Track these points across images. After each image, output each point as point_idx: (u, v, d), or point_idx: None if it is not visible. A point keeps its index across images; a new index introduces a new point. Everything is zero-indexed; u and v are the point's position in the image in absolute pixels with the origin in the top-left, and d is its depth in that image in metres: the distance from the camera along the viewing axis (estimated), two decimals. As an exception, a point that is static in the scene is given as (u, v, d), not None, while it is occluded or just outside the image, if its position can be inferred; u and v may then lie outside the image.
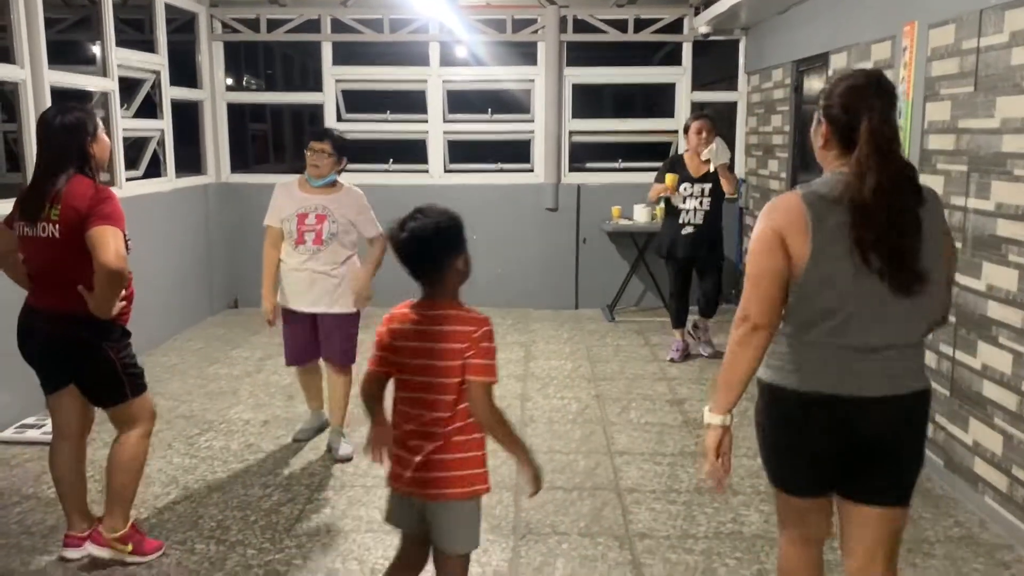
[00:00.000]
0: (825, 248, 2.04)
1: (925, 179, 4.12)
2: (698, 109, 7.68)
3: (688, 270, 6.10)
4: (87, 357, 3.06)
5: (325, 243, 4.19)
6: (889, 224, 2.01)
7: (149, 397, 3.28)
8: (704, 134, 5.84)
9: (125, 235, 3.01)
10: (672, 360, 6.06)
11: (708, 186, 5.88)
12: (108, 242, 2.87)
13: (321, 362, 4.44)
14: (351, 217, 4.24)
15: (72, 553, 3.24)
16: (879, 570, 2.20)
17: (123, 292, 3.03)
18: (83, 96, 5.65)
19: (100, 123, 3.18)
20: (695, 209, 5.93)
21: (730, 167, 5.92)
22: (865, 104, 2.07)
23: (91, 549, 3.19)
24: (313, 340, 4.33)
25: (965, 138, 3.84)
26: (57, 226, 2.96)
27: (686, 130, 6.01)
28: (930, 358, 4.12)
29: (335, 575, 3.18)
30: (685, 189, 5.90)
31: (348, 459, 4.25)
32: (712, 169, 5.82)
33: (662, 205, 7.48)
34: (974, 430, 3.74)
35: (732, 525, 3.59)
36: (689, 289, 6.14)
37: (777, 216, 2.10)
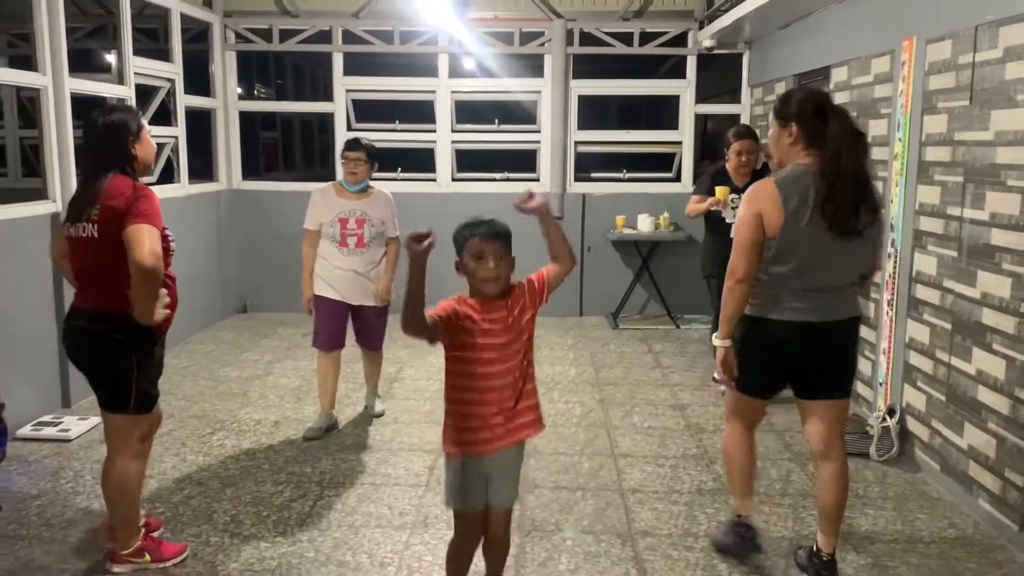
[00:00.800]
0: (792, 221, 2.93)
1: (923, 190, 4.26)
2: (702, 121, 7.82)
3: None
4: (110, 355, 3.06)
5: (368, 245, 4.70)
6: (854, 186, 2.92)
7: (145, 422, 3.21)
8: (744, 157, 5.46)
9: (166, 234, 3.10)
10: (715, 381, 5.48)
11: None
12: (143, 240, 2.90)
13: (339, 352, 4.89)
14: (384, 218, 4.76)
15: (119, 568, 3.26)
16: (837, 442, 3.15)
17: (165, 298, 3.06)
18: (100, 103, 5.79)
19: (145, 124, 3.24)
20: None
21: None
22: (831, 110, 3.00)
23: (112, 568, 3.21)
24: (342, 329, 4.79)
25: (961, 150, 3.95)
26: (96, 226, 3.00)
27: (727, 145, 5.58)
28: (927, 364, 4.22)
29: (346, 567, 3.28)
30: (733, 201, 5.41)
31: (381, 415, 5.06)
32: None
33: (666, 215, 7.62)
34: (969, 434, 3.83)
35: (732, 524, 3.68)
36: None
37: (757, 201, 2.99)
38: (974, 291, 3.80)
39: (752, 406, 3.27)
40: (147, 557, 3.23)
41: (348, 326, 4.85)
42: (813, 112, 3.00)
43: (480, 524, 2.78)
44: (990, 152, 3.70)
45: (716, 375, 3.30)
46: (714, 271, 5.49)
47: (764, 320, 3.05)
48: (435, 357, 5.64)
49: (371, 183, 4.81)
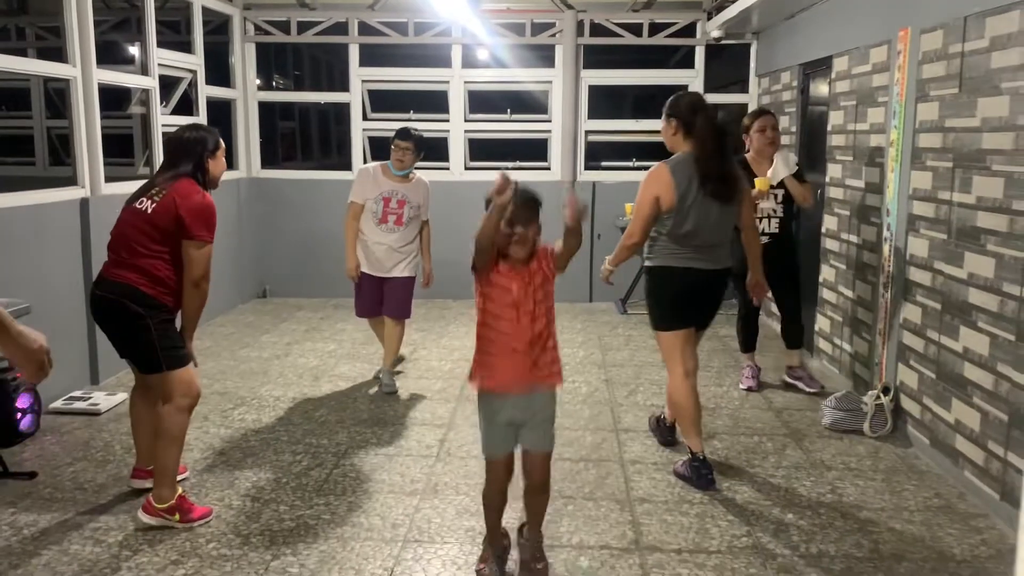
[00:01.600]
0: (684, 196, 3.81)
1: (916, 175, 4.42)
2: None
3: (780, 288, 5.38)
4: (129, 324, 3.44)
5: (405, 224, 5.21)
6: (719, 166, 3.84)
7: (188, 373, 3.55)
8: (769, 132, 5.21)
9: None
10: (750, 389, 5.38)
11: (781, 192, 5.21)
12: (201, 261, 3.49)
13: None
14: (420, 202, 5.28)
15: (138, 483, 3.74)
16: (695, 357, 4.12)
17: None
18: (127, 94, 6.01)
19: (222, 145, 3.70)
20: (769, 217, 5.22)
21: (799, 174, 5.20)
22: (700, 107, 3.91)
23: (142, 517, 3.46)
24: (378, 300, 5.33)
25: (951, 136, 4.11)
26: (154, 203, 3.46)
27: (746, 130, 5.34)
28: (918, 343, 4.39)
29: (359, 527, 3.50)
30: (772, 194, 5.21)
31: (394, 392, 5.29)
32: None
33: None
34: (956, 409, 4.00)
35: (727, 493, 3.86)
36: (759, 311, 5.55)
37: (656, 184, 3.85)
38: (961, 272, 3.96)
39: (674, 344, 4.00)
40: (176, 517, 3.46)
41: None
42: (687, 110, 3.89)
43: (506, 472, 3.04)
44: (977, 138, 3.85)
45: (605, 276, 4.35)
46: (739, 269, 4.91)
47: (670, 269, 3.95)
48: (447, 339, 5.86)
49: (414, 170, 5.31)
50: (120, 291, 3.42)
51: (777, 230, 5.26)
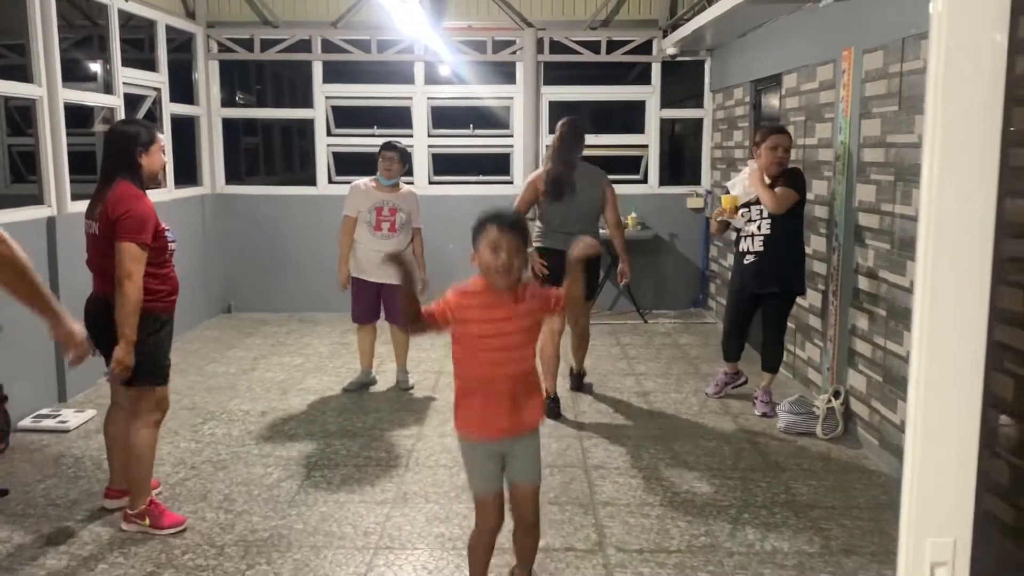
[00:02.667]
0: (544, 194, 5.15)
1: (861, 188, 4.64)
2: (670, 124, 8.14)
3: (748, 307, 5.27)
4: (114, 337, 3.44)
5: (398, 231, 5.53)
6: (558, 172, 5.17)
7: (159, 394, 3.62)
8: (780, 152, 4.93)
9: (165, 234, 3.54)
10: (707, 395, 5.54)
11: (760, 208, 5.03)
12: (123, 259, 3.38)
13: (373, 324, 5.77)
14: (410, 210, 5.62)
15: (111, 504, 3.79)
16: (563, 318, 5.23)
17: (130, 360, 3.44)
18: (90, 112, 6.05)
19: (158, 138, 3.63)
20: (753, 236, 5.08)
21: (773, 184, 4.94)
22: (559, 131, 5.24)
23: (123, 526, 3.61)
24: (375, 305, 5.63)
25: (892, 151, 4.33)
26: (98, 224, 3.48)
27: (757, 145, 5.08)
28: (865, 348, 4.60)
29: (332, 536, 3.59)
30: (744, 214, 5.13)
31: (411, 388, 5.74)
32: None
33: (634, 214, 7.97)
34: (902, 411, 4.20)
35: (686, 495, 4.03)
36: (749, 326, 5.38)
37: (534, 181, 5.26)
38: (904, 280, 4.17)
39: None
40: (147, 521, 3.55)
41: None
42: (558, 130, 5.30)
43: (497, 516, 2.87)
44: (915, 153, 4.07)
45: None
46: (732, 285, 5.39)
47: (548, 249, 5.10)
48: (414, 351, 5.95)
49: (401, 181, 5.68)
50: (103, 303, 3.50)
51: (761, 248, 5.02)
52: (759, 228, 5.04)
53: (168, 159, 7.16)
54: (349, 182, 8.12)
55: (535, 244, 5.16)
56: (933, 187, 1.13)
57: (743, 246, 5.15)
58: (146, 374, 3.53)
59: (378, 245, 5.43)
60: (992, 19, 1.11)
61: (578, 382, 5.78)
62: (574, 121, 5.35)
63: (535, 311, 2.79)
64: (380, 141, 8.17)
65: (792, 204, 4.89)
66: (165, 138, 7.02)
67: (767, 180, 4.97)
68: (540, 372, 2.94)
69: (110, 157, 3.59)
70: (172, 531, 3.58)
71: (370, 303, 5.62)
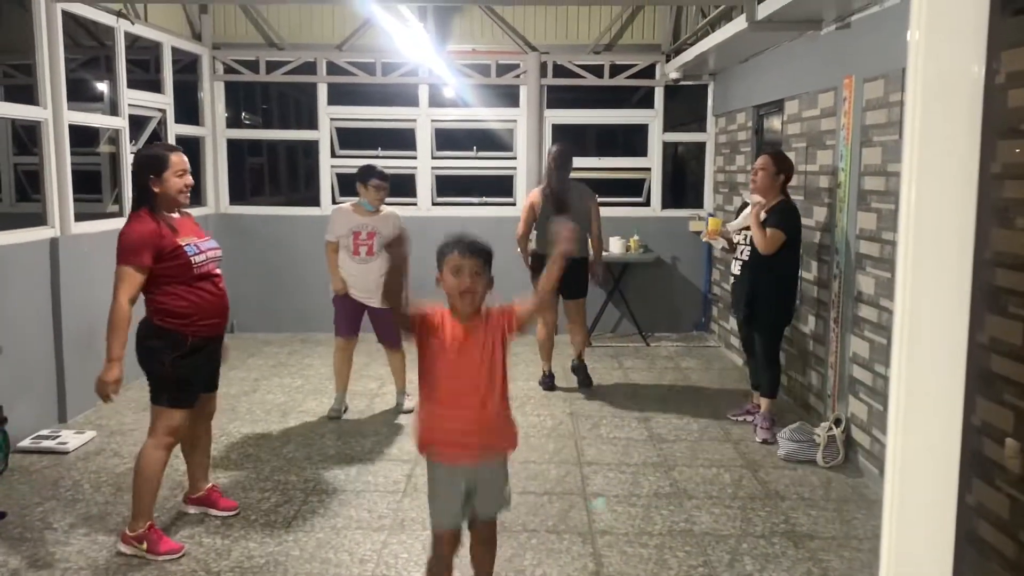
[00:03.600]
0: (542, 209, 6.03)
1: (862, 216, 4.64)
2: (673, 147, 8.15)
3: (746, 330, 5.42)
4: (146, 356, 3.62)
5: (376, 254, 5.47)
6: (555, 192, 6.11)
7: (178, 417, 3.65)
8: (759, 175, 5.07)
9: (181, 249, 3.57)
10: (729, 416, 5.57)
11: (749, 234, 5.16)
12: (114, 281, 3.50)
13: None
14: (390, 232, 5.40)
15: (190, 508, 4.07)
16: (580, 319, 6.48)
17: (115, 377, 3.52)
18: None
19: (172, 162, 3.68)
20: (735, 259, 5.32)
21: (765, 222, 4.98)
22: (552, 153, 6.25)
23: (120, 546, 3.62)
24: (357, 321, 5.63)
25: (893, 180, 4.34)
26: None
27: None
28: (866, 376, 4.59)
29: (328, 563, 3.58)
30: (735, 236, 5.35)
31: (411, 411, 5.53)
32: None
33: (636, 237, 7.99)
34: (902, 440, 4.18)
35: (684, 524, 4.00)
36: (753, 346, 5.39)
37: (531, 199, 6.23)
38: (904, 309, 4.15)
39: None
40: (144, 545, 3.56)
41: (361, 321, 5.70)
42: (550, 156, 6.26)
43: (452, 545, 2.92)
44: (916, 183, 4.07)
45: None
46: (739, 307, 5.32)
47: (543, 254, 5.61)
48: (412, 374, 5.93)
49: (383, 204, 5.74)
50: (140, 326, 3.65)
51: (739, 272, 5.23)
52: (741, 253, 5.25)
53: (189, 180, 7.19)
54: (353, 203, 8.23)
55: (533, 252, 6.17)
56: (911, 216, 1.14)
57: (733, 268, 5.41)
58: (163, 393, 3.62)
59: (357, 269, 5.48)
60: (970, 50, 1.11)
61: (582, 374, 6.46)
62: (563, 148, 6.29)
63: (496, 332, 2.80)
64: (385, 163, 8.26)
65: (780, 246, 4.95)
66: (184, 159, 7.09)
67: (761, 200, 5.08)
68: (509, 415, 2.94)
69: (132, 185, 3.77)
70: (168, 558, 3.57)
71: (352, 319, 5.61)
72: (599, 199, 8.44)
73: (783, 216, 5.00)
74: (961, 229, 1.12)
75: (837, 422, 4.85)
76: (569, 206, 5.94)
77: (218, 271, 3.76)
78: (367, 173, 5.55)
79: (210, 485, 4.11)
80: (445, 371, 2.78)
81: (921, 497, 1.17)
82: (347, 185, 8.36)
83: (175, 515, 4.04)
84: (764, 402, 5.28)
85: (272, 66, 8.17)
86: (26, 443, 4.90)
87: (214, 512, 4.03)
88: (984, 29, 1.09)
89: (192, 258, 3.61)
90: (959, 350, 1.13)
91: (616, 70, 8.19)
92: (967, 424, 1.16)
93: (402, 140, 8.37)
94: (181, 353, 3.59)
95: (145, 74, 7.66)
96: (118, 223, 4.13)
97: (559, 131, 8.37)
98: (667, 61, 8.01)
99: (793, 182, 5.64)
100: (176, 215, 3.73)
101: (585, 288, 6.38)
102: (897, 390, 1.15)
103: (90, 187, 7.56)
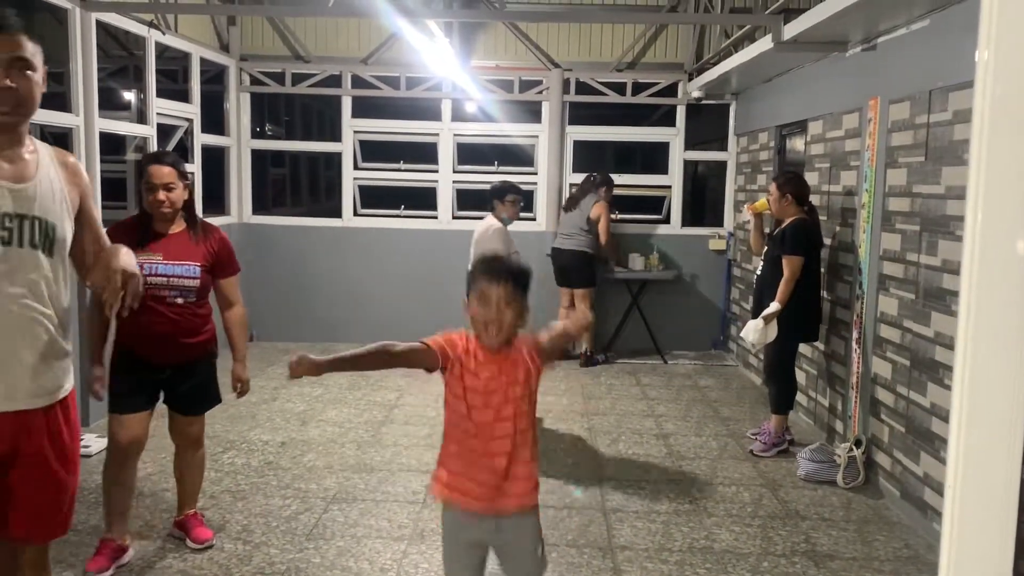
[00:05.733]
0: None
1: (886, 237, 4.63)
2: (692, 167, 8.19)
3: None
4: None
5: None
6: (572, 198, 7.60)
7: (114, 423, 3.57)
8: (770, 199, 5.32)
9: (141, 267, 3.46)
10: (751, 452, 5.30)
11: (766, 249, 5.36)
12: None
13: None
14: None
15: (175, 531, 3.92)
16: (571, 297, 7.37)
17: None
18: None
19: (147, 172, 3.52)
20: (754, 270, 5.53)
21: (781, 248, 5.12)
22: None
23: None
24: None
25: (918, 201, 4.34)
26: None
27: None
28: (888, 397, 4.57)
29: (348, 572, 3.60)
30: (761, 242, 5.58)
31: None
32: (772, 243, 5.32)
33: (655, 254, 8.00)
34: (924, 463, 4.17)
35: (705, 541, 3.99)
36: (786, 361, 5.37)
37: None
38: (928, 330, 4.15)
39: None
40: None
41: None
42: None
43: None
44: (942, 204, 4.08)
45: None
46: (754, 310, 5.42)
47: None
48: (432, 384, 5.95)
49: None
50: None
51: (755, 284, 5.46)
52: (758, 268, 5.44)
53: (198, 188, 7.28)
54: (373, 215, 8.32)
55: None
56: (976, 238, 1.13)
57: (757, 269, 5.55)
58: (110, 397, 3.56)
59: None
60: None
61: (588, 360, 7.51)
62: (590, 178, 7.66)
63: (529, 366, 2.46)
64: (407, 176, 8.44)
65: (800, 266, 5.05)
66: (196, 168, 7.21)
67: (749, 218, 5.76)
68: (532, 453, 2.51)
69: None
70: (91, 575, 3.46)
71: None
72: (618, 216, 8.57)
73: (795, 236, 5.09)
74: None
75: (858, 443, 4.83)
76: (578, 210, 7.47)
77: (178, 299, 3.54)
78: (508, 189, 5.86)
79: (192, 512, 3.89)
80: (473, 406, 2.42)
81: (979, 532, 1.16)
82: (368, 197, 8.44)
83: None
84: (772, 418, 5.32)
85: (298, 78, 8.26)
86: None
87: (188, 542, 3.79)
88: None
89: (147, 277, 3.36)
90: (1020, 378, 1.13)
91: (638, 88, 8.23)
92: None
93: (424, 153, 8.44)
94: (119, 361, 3.53)
95: (173, 84, 7.77)
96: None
97: (581, 147, 8.41)
98: (689, 80, 8.04)
99: (816, 202, 5.66)
100: (179, 230, 3.60)
101: (594, 280, 7.43)
102: (958, 422, 1.15)
103: (116, 194, 7.65)
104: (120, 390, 3.55)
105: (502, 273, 2.39)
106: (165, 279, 3.51)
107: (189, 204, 3.65)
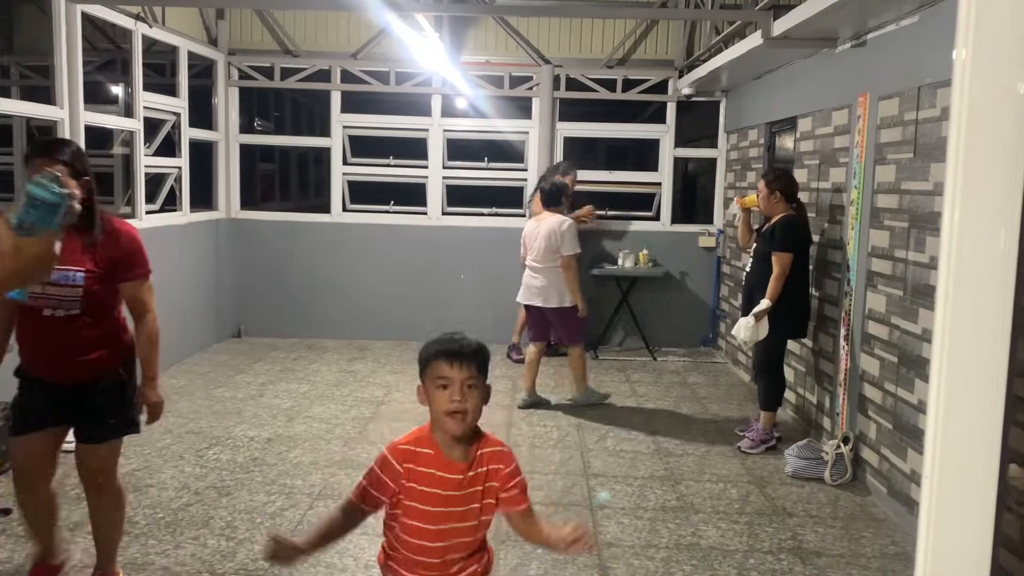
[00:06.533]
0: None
1: (874, 234, 4.63)
2: (683, 165, 8.17)
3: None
4: None
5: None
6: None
7: (9, 445, 3.24)
8: (759, 196, 5.34)
9: None
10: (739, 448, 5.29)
11: (755, 246, 5.40)
12: None
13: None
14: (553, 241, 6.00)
15: None
16: None
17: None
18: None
19: (38, 169, 2.64)
20: (743, 267, 5.58)
21: (771, 244, 5.15)
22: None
23: None
24: (543, 327, 6.24)
25: (906, 198, 4.33)
26: None
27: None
28: (875, 394, 4.57)
29: (333, 568, 3.57)
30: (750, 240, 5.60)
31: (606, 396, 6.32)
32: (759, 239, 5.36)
33: (646, 251, 7.99)
34: (912, 460, 4.16)
35: (691, 538, 3.98)
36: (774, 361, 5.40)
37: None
38: (916, 327, 4.15)
39: None
40: None
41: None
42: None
43: None
44: (930, 201, 4.07)
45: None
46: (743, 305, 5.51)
47: None
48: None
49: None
50: None
51: (743, 280, 5.50)
52: (746, 266, 5.49)
53: (185, 183, 7.22)
54: (362, 211, 8.28)
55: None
56: (953, 236, 1.12)
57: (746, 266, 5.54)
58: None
59: (529, 275, 6.13)
60: (1017, 69, 1.10)
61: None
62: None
63: (495, 494, 2.18)
64: (397, 171, 8.41)
65: (790, 262, 5.08)
66: (183, 162, 7.15)
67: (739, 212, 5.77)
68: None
69: None
70: None
71: (536, 325, 6.23)
72: (609, 212, 8.56)
73: (785, 232, 5.12)
74: (1005, 250, 1.11)
75: (845, 440, 4.83)
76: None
77: (57, 312, 3.00)
78: (565, 187, 6.27)
79: (57, 562, 3.38)
80: (411, 521, 2.13)
81: (959, 524, 1.14)
82: (357, 193, 8.40)
83: (176, 516, 4.03)
84: (761, 414, 5.34)
85: (287, 73, 8.21)
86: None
87: None
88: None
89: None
90: (1000, 374, 1.12)
91: (629, 84, 8.22)
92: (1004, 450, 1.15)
93: (414, 149, 8.40)
94: (20, 377, 3.17)
95: (161, 78, 7.72)
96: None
97: (571, 143, 8.39)
98: (680, 77, 8.03)
99: (805, 199, 5.65)
100: (92, 233, 3.05)
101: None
102: (935, 415, 1.14)
103: (104, 190, 7.59)
104: (18, 409, 3.16)
105: (463, 353, 2.09)
106: (40, 287, 2.94)
107: (87, 203, 2.91)
